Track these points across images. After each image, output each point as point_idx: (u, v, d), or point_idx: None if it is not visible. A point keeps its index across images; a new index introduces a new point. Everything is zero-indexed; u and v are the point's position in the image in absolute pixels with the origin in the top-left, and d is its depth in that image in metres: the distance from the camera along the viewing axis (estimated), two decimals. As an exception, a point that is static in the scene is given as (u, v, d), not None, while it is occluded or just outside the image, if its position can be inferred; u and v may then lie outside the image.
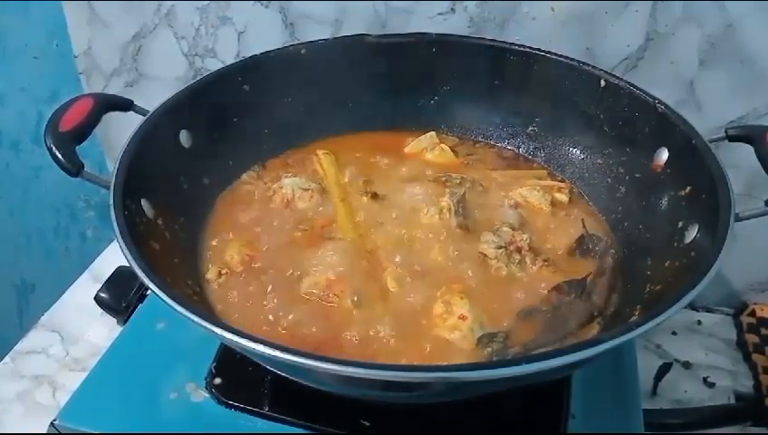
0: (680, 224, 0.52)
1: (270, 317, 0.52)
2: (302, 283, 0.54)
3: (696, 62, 0.67)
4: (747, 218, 0.48)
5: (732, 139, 0.55)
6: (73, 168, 0.50)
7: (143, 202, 0.52)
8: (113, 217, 0.46)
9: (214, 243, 0.59)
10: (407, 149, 0.70)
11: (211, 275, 0.55)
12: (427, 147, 0.70)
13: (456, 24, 0.72)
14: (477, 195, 0.63)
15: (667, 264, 0.50)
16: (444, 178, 0.64)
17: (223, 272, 0.56)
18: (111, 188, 0.49)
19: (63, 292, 0.81)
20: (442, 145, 0.70)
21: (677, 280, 0.46)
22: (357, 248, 0.57)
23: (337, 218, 0.60)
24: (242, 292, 0.54)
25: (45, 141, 0.50)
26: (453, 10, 0.72)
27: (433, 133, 0.71)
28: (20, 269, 1.16)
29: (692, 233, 0.50)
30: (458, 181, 0.63)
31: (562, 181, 0.66)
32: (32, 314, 0.80)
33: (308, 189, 0.63)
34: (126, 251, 0.44)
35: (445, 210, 0.60)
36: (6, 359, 0.72)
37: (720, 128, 0.55)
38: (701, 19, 0.65)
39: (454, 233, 0.59)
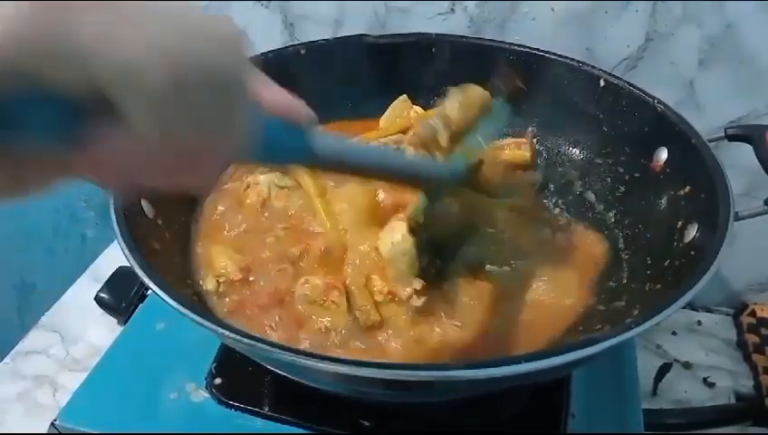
0: (679, 223, 0.52)
1: (270, 322, 0.52)
2: (297, 288, 0.53)
3: (695, 62, 0.67)
4: (746, 218, 0.48)
5: (731, 138, 0.55)
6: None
7: (143, 202, 0.52)
8: (113, 217, 0.46)
9: (200, 248, 0.57)
10: (381, 121, 0.68)
11: (210, 286, 0.54)
12: (401, 113, 0.68)
13: (455, 25, 0.72)
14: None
15: (666, 263, 0.50)
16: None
17: (221, 281, 0.54)
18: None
19: (63, 292, 0.81)
20: (416, 108, 0.69)
21: (677, 279, 0.46)
22: (342, 247, 0.55)
23: (317, 218, 0.58)
24: (241, 301, 0.53)
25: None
26: (453, 10, 0.72)
27: (404, 97, 0.69)
28: (20, 269, 1.16)
29: (691, 232, 0.50)
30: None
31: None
32: (32, 314, 0.80)
33: (284, 187, 0.61)
34: (126, 251, 0.44)
35: None
36: (6, 359, 0.72)
37: (720, 128, 0.55)
38: (701, 19, 0.65)
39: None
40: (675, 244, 0.51)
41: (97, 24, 0.22)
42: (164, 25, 0.23)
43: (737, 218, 0.47)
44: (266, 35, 0.78)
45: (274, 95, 0.31)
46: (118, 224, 0.46)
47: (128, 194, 0.49)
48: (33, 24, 0.21)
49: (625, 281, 0.55)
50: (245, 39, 0.27)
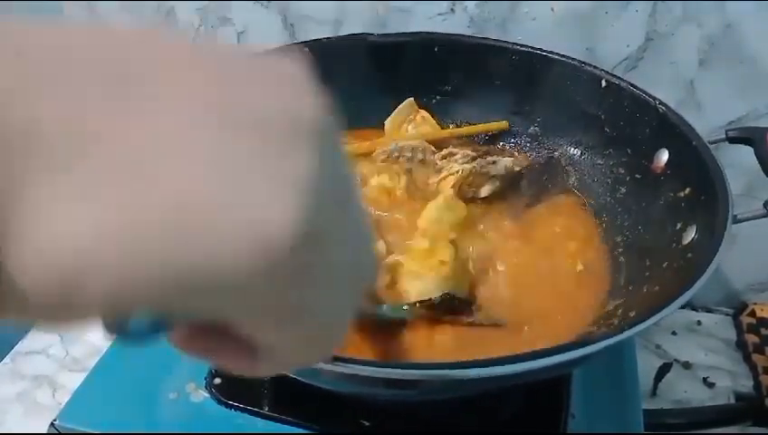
0: (679, 225, 0.52)
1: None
2: None
3: (696, 62, 0.67)
4: (745, 220, 0.48)
5: (732, 140, 0.55)
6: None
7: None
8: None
9: None
10: (387, 123, 0.68)
11: None
12: (407, 117, 0.67)
13: (455, 25, 0.72)
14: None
15: (664, 265, 0.50)
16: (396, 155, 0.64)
17: None
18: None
19: (64, 292, 0.81)
20: (422, 113, 0.68)
21: (674, 282, 0.46)
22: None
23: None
24: None
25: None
26: (453, 10, 0.72)
27: (411, 100, 0.68)
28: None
29: (690, 234, 0.49)
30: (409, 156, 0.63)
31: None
32: (32, 314, 0.80)
33: None
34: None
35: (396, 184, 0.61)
36: (6, 359, 0.72)
37: (720, 128, 0.55)
38: (701, 19, 0.65)
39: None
40: (673, 246, 0.51)
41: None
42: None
43: (735, 221, 0.47)
44: (266, 36, 0.78)
45: None
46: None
47: None
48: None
49: (623, 282, 0.54)
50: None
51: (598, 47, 0.70)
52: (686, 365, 0.72)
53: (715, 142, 0.54)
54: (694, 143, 0.53)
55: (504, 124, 0.70)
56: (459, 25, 0.72)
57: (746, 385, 0.70)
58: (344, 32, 0.75)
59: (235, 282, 0.16)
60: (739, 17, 0.64)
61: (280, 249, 0.16)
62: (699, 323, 0.78)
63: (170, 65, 0.16)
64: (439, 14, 0.73)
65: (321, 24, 0.76)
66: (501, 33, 0.71)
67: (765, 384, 0.69)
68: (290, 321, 0.19)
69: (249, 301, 0.17)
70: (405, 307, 0.51)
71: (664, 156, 0.57)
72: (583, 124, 0.65)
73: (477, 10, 0.71)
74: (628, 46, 0.69)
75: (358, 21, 0.75)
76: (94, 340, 0.73)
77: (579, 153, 0.66)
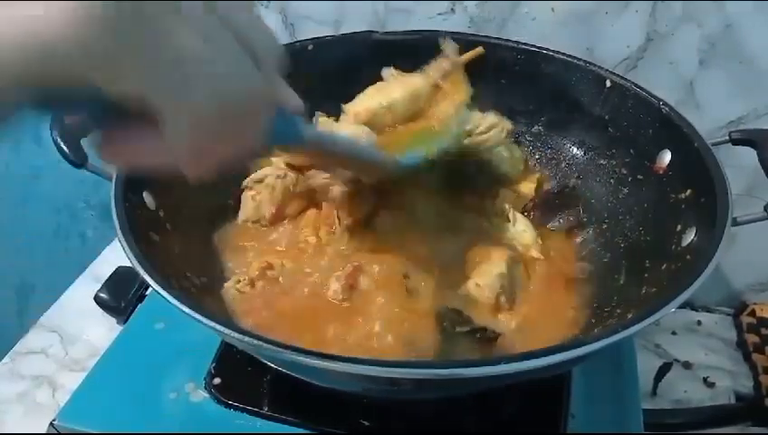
0: (679, 227, 0.51)
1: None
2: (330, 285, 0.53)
3: (695, 62, 0.67)
4: (745, 223, 0.48)
5: (735, 142, 0.55)
6: (78, 159, 0.50)
7: (145, 194, 0.51)
8: (114, 208, 0.46)
9: (216, 244, 0.58)
10: None
11: (230, 283, 0.53)
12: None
13: (455, 25, 0.72)
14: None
15: (663, 266, 0.50)
16: None
17: (242, 279, 0.53)
18: (114, 180, 0.49)
19: (63, 292, 0.81)
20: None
21: (672, 283, 0.46)
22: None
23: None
24: (262, 299, 0.53)
25: (51, 133, 0.50)
26: (453, 10, 0.72)
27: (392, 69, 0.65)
28: (20, 270, 1.16)
29: (689, 236, 0.49)
30: None
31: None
32: (32, 315, 0.80)
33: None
34: (125, 245, 0.44)
35: None
36: (6, 359, 0.72)
37: (720, 128, 0.55)
38: (701, 19, 0.65)
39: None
40: (673, 247, 0.51)
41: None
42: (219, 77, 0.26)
43: (735, 224, 0.47)
44: (266, 35, 0.78)
45: (281, 89, 0.34)
46: (118, 216, 0.46)
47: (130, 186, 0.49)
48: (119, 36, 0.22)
49: (622, 283, 0.54)
50: (282, 57, 0.32)
51: (598, 47, 0.70)
52: (686, 365, 0.72)
53: (718, 144, 0.54)
54: (696, 144, 0.53)
55: (479, 50, 0.66)
56: (459, 25, 0.72)
57: (746, 385, 0.70)
58: (344, 32, 0.75)
59: (68, 34, 0.21)
60: (739, 17, 0.64)
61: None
62: (699, 323, 0.78)
63: None
64: (439, 14, 0.73)
65: (320, 24, 0.76)
66: (501, 33, 0.71)
67: (765, 384, 0.69)
68: (160, 67, 0.24)
69: (99, 52, 0.22)
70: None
71: (666, 157, 0.57)
72: (587, 124, 0.65)
73: (477, 10, 0.71)
74: (628, 46, 0.69)
75: (358, 21, 0.75)
76: (93, 340, 0.73)
77: (582, 153, 0.66)
